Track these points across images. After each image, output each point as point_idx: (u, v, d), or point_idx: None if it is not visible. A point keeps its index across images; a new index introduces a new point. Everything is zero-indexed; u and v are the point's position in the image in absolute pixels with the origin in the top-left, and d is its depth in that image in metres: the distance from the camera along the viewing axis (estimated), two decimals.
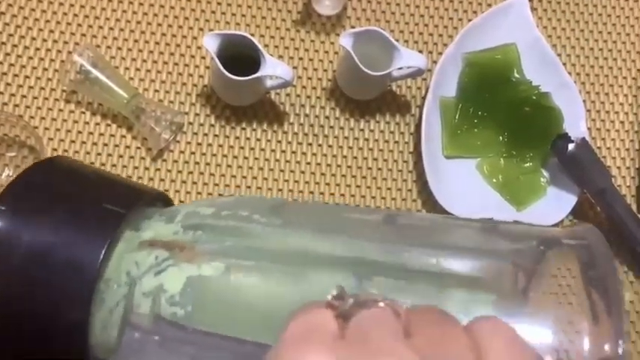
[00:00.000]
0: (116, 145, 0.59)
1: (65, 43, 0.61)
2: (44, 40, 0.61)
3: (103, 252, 0.36)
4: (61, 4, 0.62)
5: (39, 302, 0.35)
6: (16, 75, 0.60)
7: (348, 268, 0.35)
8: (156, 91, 0.61)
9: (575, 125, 0.62)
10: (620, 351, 0.29)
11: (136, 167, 0.59)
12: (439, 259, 0.35)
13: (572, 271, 0.34)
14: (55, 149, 0.59)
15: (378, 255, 0.36)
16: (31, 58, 0.60)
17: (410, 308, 0.23)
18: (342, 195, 0.61)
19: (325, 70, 0.64)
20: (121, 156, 0.59)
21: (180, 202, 0.59)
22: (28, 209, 0.38)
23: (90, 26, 0.62)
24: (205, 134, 0.61)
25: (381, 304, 0.23)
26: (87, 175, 0.43)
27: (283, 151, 0.62)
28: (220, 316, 0.35)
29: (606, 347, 0.29)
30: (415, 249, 0.36)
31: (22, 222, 0.37)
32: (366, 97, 0.63)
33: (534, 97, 0.63)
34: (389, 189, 0.62)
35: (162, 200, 0.45)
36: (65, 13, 0.62)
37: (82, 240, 0.37)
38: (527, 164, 0.63)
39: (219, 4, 0.64)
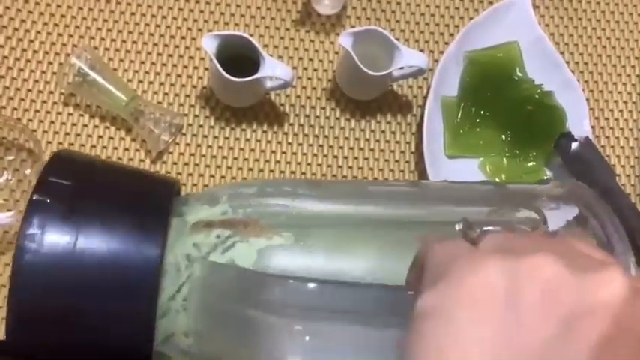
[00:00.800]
0: (115, 148, 0.59)
1: (63, 45, 0.61)
2: (42, 43, 0.61)
3: (163, 244, 0.36)
4: (58, 6, 0.62)
5: (99, 307, 0.35)
6: (14, 78, 0.59)
7: (409, 227, 0.39)
8: (155, 92, 0.61)
9: (579, 124, 0.62)
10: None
11: None
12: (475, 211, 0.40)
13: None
14: (53, 152, 0.58)
15: (427, 212, 0.40)
16: (29, 60, 0.60)
17: (523, 231, 0.29)
18: None
19: (325, 70, 0.64)
20: (120, 158, 0.59)
21: None
22: (77, 213, 0.36)
23: (88, 28, 0.62)
24: (205, 136, 0.60)
25: (498, 228, 0.28)
26: (106, 168, 0.43)
27: (284, 152, 0.61)
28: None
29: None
30: (446, 207, 0.41)
31: (73, 227, 0.35)
32: (367, 97, 0.63)
33: (537, 96, 0.62)
34: None
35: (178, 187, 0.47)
36: (63, 15, 0.62)
37: (140, 237, 0.36)
38: (531, 163, 0.62)
39: (217, 4, 0.64)
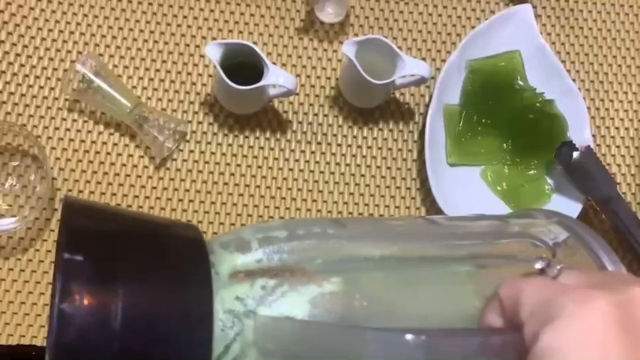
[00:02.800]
0: (119, 154, 0.59)
1: (68, 52, 0.61)
2: (47, 49, 0.61)
3: (212, 301, 0.32)
4: (64, 13, 0.62)
5: None
6: (19, 84, 0.60)
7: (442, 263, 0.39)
8: (159, 99, 0.61)
9: (580, 132, 0.62)
10: None
11: (139, 176, 0.59)
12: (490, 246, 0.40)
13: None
14: (57, 158, 0.59)
15: (444, 250, 0.40)
16: (34, 67, 0.60)
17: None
18: (345, 203, 0.61)
19: (328, 78, 0.64)
20: (124, 165, 0.59)
21: (184, 211, 0.59)
22: (112, 268, 0.31)
23: (93, 35, 0.62)
24: (208, 143, 0.61)
25: (567, 265, 0.30)
26: (126, 217, 0.38)
27: (286, 160, 0.61)
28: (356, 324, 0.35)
29: None
30: (465, 242, 0.41)
31: (111, 291, 0.30)
32: (370, 104, 0.63)
33: (538, 105, 0.63)
34: (392, 197, 0.62)
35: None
36: (68, 22, 0.62)
37: (186, 296, 0.32)
38: (532, 172, 0.63)
39: (222, 12, 0.64)
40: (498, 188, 0.62)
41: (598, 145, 0.66)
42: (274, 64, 0.57)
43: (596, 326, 0.25)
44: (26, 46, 0.61)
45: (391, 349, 0.27)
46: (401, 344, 0.27)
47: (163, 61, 0.62)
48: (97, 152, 0.59)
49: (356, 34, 0.65)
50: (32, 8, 0.62)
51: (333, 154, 0.62)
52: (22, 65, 0.60)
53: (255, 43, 0.61)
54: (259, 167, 0.61)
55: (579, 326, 0.25)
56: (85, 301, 0.29)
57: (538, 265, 0.30)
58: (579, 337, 0.25)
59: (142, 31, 0.63)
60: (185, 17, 0.64)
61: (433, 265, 0.38)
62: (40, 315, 0.56)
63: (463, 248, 0.40)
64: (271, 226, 0.39)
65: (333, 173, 0.62)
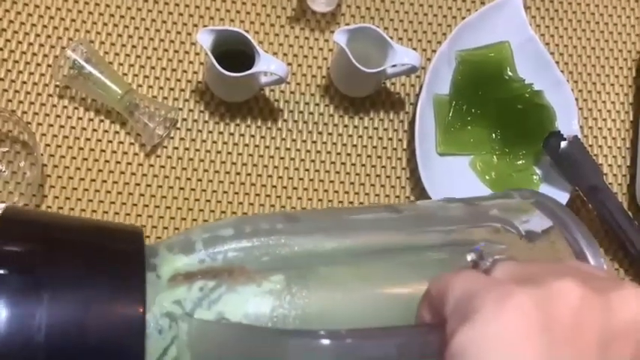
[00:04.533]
0: (109, 141, 0.59)
1: (59, 38, 0.61)
2: (37, 35, 0.61)
3: (144, 305, 0.32)
4: None
5: None
6: (9, 70, 0.60)
7: (398, 255, 0.37)
8: (150, 86, 0.61)
9: (568, 123, 0.63)
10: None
11: (129, 163, 0.59)
12: (454, 234, 0.39)
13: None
14: (47, 145, 0.58)
15: (404, 240, 0.38)
16: (24, 52, 0.60)
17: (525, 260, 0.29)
18: (336, 192, 0.61)
19: (319, 67, 0.64)
20: (114, 152, 0.59)
21: (174, 198, 0.59)
22: (37, 280, 0.30)
23: (84, 21, 0.62)
24: (199, 130, 0.61)
25: (503, 256, 0.28)
26: (59, 224, 0.37)
27: (277, 148, 0.62)
28: (296, 325, 0.34)
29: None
30: (429, 229, 0.39)
31: (35, 303, 0.29)
32: (361, 94, 0.63)
33: (527, 95, 0.63)
34: (382, 186, 0.62)
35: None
36: (59, 8, 0.62)
37: (117, 304, 0.32)
38: (520, 162, 0.63)
39: (213, 0, 0.64)
40: (487, 177, 0.62)
41: (585, 136, 0.66)
42: (266, 52, 0.57)
43: (512, 326, 0.23)
44: (16, 32, 0.61)
45: (306, 352, 0.27)
46: (314, 347, 0.26)
47: (154, 49, 0.62)
48: (88, 139, 0.59)
49: (347, 24, 0.66)
50: None
51: (324, 143, 0.62)
52: (11, 51, 0.60)
53: (246, 31, 0.61)
54: (250, 155, 0.61)
55: (494, 326, 0.24)
56: (5, 315, 0.28)
57: (469, 257, 0.28)
58: (493, 337, 0.23)
59: (133, 17, 0.63)
60: (177, 4, 0.64)
61: (389, 257, 0.37)
62: None
63: (424, 237, 0.39)
64: (219, 225, 0.38)
65: (323, 162, 0.62)
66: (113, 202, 0.58)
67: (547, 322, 0.23)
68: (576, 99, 0.65)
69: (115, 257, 0.34)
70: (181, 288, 0.34)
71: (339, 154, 0.62)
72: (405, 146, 0.63)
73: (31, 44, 0.60)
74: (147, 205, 0.59)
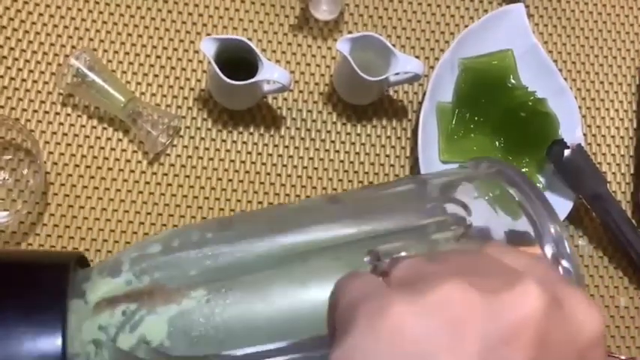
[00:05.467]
0: (112, 149, 0.59)
1: (62, 46, 0.61)
2: (41, 44, 0.61)
3: (62, 336, 0.32)
4: (58, 7, 0.62)
5: None
6: (12, 78, 0.60)
7: (325, 253, 0.35)
8: (153, 94, 0.61)
9: (571, 131, 0.63)
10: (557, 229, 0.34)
11: (132, 171, 0.59)
12: (385, 222, 0.37)
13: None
14: (51, 152, 0.59)
15: (339, 233, 0.36)
16: (27, 61, 0.60)
17: (430, 253, 0.27)
18: None
19: (322, 75, 0.64)
20: (117, 159, 0.59)
21: (177, 206, 0.59)
22: None
23: (87, 30, 0.62)
24: (202, 138, 0.61)
25: (403, 253, 0.26)
26: None
27: (280, 156, 0.62)
28: (220, 341, 0.33)
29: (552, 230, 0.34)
30: (365, 218, 0.37)
31: None
32: (363, 101, 0.63)
33: (530, 103, 0.63)
34: None
35: (80, 262, 0.41)
36: (62, 17, 0.62)
37: (35, 332, 0.32)
38: (523, 169, 0.63)
39: (216, 8, 0.64)
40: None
41: (589, 144, 0.66)
42: (269, 60, 0.57)
43: (384, 343, 0.21)
44: (20, 40, 0.61)
45: None
46: None
47: (157, 56, 0.62)
48: (91, 147, 0.59)
49: (350, 32, 0.66)
50: (26, 2, 0.62)
51: (327, 150, 0.62)
52: (15, 59, 0.60)
53: (249, 39, 0.61)
54: (252, 163, 0.61)
55: (366, 342, 0.21)
56: None
57: (366, 259, 0.26)
58: (363, 355, 0.21)
59: (136, 25, 0.63)
60: (180, 13, 0.64)
61: (320, 256, 0.35)
62: None
63: (360, 230, 0.36)
64: (148, 242, 0.37)
65: (326, 170, 0.62)
66: (116, 210, 0.58)
67: (423, 335, 0.21)
68: (579, 107, 0.65)
69: (36, 290, 0.34)
70: (105, 313, 0.33)
71: (341, 162, 0.62)
72: (407, 154, 0.63)
73: (34, 52, 0.61)
74: (149, 213, 0.58)
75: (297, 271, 0.35)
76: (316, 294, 0.33)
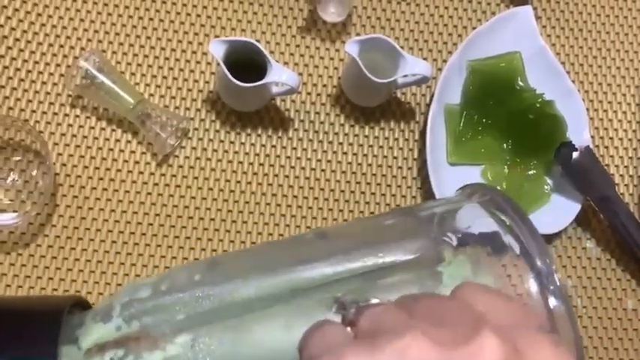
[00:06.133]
0: (121, 150, 0.60)
1: (71, 48, 0.61)
2: (50, 45, 0.61)
3: None
4: (67, 9, 0.62)
5: None
6: (22, 79, 0.60)
7: (312, 293, 0.35)
8: (161, 96, 0.62)
9: (579, 133, 0.63)
10: (552, 267, 0.33)
11: (141, 172, 0.59)
12: (375, 257, 0.36)
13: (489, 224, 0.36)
14: (60, 154, 0.59)
15: (326, 271, 0.36)
16: (37, 62, 0.61)
17: (401, 297, 0.26)
18: (347, 201, 0.61)
19: (330, 77, 0.64)
20: (126, 161, 0.59)
21: (185, 207, 0.59)
22: None
23: (96, 31, 0.62)
24: (211, 140, 0.61)
25: (375, 300, 0.26)
26: None
27: (288, 157, 0.62)
28: None
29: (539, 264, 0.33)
30: (353, 254, 0.37)
31: None
32: (371, 103, 0.64)
33: (538, 105, 0.63)
34: (393, 195, 0.62)
35: (80, 304, 0.41)
36: (72, 19, 0.62)
37: None
38: (531, 172, 0.63)
39: (225, 10, 0.65)
40: (498, 188, 0.62)
41: (596, 146, 0.66)
42: (277, 62, 0.57)
43: None
44: (29, 42, 0.61)
45: None
46: None
47: (166, 58, 0.62)
48: (100, 148, 0.59)
49: (358, 34, 0.66)
50: (36, 4, 0.62)
51: (334, 152, 0.63)
52: (25, 60, 0.60)
53: (257, 41, 0.61)
54: (260, 165, 0.61)
55: None
56: None
57: (333, 309, 0.26)
58: None
59: (144, 27, 0.63)
60: (188, 14, 0.64)
61: (306, 296, 0.35)
62: None
63: (346, 267, 0.36)
64: (139, 285, 0.38)
65: (334, 171, 0.62)
66: (124, 211, 0.58)
67: None
68: (587, 109, 0.65)
69: (29, 337, 0.34)
70: (96, 359, 0.34)
71: (349, 163, 0.62)
72: (415, 156, 0.63)
73: (43, 54, 0.61)
74: (158, 215, 0.59)
75: (282, 313, 0.35)
76: (300, 336, 0.34)
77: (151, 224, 0.58)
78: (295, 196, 0.61)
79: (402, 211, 0.41)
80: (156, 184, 0.59)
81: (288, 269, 0.36)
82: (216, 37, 0.63)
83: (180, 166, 0.60)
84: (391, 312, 0.24)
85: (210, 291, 0.35)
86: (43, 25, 0.62)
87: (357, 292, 0.34)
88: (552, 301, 0.32)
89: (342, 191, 0.62)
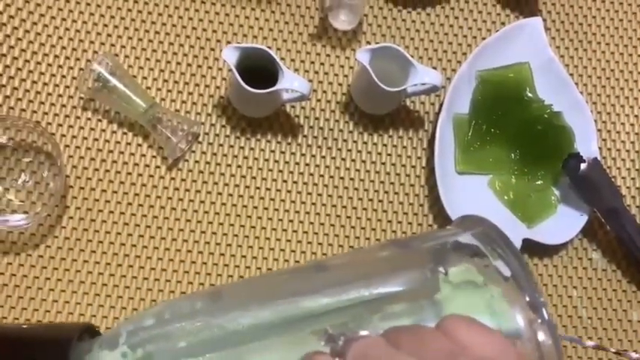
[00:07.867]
0: (132, 154, 0.60)
1: (84, 51, 0.62)
2: (63, 48, 0.62)
3: None
4: (80, 12, 0.63)
5: None
6: (34, 81, 0.60)
7: (307, 325, 0.36)
8: (172, 100, 0.62)
9: (587, 145, 0.63)
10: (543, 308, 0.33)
11: (151, 176, 0.60)
12: (370, 288, 0.37)
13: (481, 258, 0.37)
14: (71, 156, 0.59)
15: (321, 303, 0.37)
16: (50, 65, 0.61)
17: (388, 330, 0.27)
18: (354, 208, 0.62)
19: (340, 84, 0.65)
20: (136, 164, 0.60)
21: (194, 211, 0.59)
22: None
23: (109, 35, 0.63)
24: (221, 145, 0.61)
25: (365, 332, 0.27)
26: None
27: (297, 163, 0.62)
28: None
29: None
30: (349, 286, 0.38)
31: None
32: (381, 111, 0.64)
33: (546, 116, 0.63)
34: (401, 203, 0.62)
35: (88, 331, 0.42)
36: (85, 22, 0.63)
37: None
38: (539, 182, 0.63)
39: (237, 16, 0.65)
40: (505, 198, 0.63)
41: (604, 158, 0.66)
42: (288, 69, 0.58)
43: None
44: (43, 44, 0.61)
45: None
46: None
47: (178, 63, 0.63)
48: (110, 151, 0.60)
49: (368, 42, 0.66)
50: (50, 7, 0.62)
51: (343, 159, 0.63)
52: (38, 63, 0.61)
53: (269, 47, 0.62)
54: (269, 170, 0.61)
55: None
56: None
57: (322, 342, 0.27)
58: None
59: (157, 32, 0.63)
60: (201, 20, 0.64)
61: (302, 326, 0.36)
62: (49, 311, 0.56)
63: (342, 299, 0.37)
64: (144, 314, 0.39)
65: (342, 178, 0.62)
66: (134, 214, 0.59)
67: None
68: (595, 120, 0.65)
69: None
70: None
71: (358, 170, 0.63)
72: (424, 164, 0.64)
73: (56, 57, 0.61)
74: (167, 218, 0.59)
75: (277, 344, 0.36)
76: None
77: (160, 227, 0.59)
78: (303, 202, 0.61)
79: (398, 243, 0.43)
80: (165, 188, 0.60)
81: (285, 301, 0.37)
82: (228, 43, 0.64)
83: (190, 171, 0.60)
84: (377, 344, 0.25)
85: (210, 321, 0.37)
86: (56, 27, 0.62)
87: (353, 323, 0.35)
88: (541, 336, 0.32)
89: (350, 198, 0.62)
